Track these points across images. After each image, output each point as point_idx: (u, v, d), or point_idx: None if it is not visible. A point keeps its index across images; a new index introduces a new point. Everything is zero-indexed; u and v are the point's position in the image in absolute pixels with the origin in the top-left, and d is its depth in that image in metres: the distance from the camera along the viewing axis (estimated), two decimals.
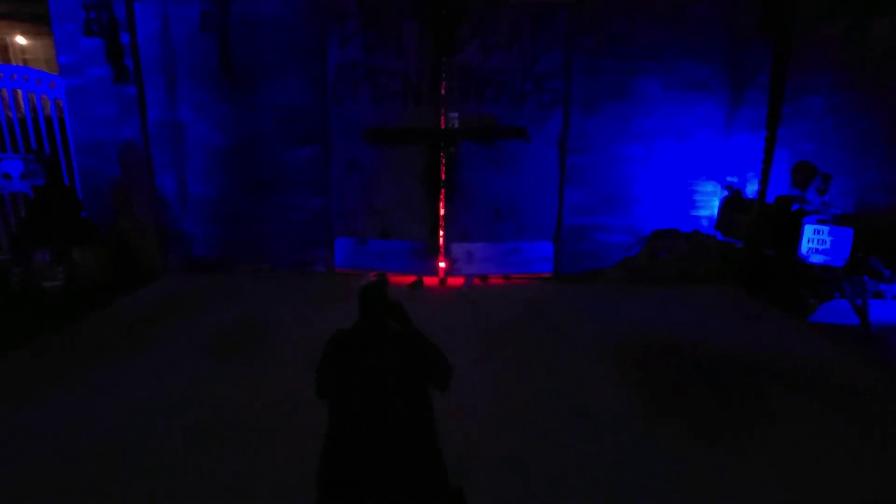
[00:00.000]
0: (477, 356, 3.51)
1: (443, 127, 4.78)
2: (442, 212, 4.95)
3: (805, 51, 4.49)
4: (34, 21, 6.99)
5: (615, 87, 4.68)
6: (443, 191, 4.89)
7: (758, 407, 2.96)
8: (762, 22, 4.52)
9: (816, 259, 4.47)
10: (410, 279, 5.12)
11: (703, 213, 4.98)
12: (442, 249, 5.02)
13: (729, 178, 4.89)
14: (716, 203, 4.96)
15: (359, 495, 1.61)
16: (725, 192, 4.93)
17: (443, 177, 4.86)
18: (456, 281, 5.12)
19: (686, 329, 4.05)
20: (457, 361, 1.97)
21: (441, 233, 4.99)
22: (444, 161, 4.82)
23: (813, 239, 4.48)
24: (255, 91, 4.91)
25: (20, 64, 7.46)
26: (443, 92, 4.71)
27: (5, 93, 5.09)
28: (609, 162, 4.85)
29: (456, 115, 4.75)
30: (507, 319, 4.24)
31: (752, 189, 4.88)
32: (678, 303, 4.63)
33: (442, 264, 5.05)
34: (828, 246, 4.45)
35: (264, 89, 4.90)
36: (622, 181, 4.90)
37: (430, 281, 5.14)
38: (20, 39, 7.94)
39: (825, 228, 4.46)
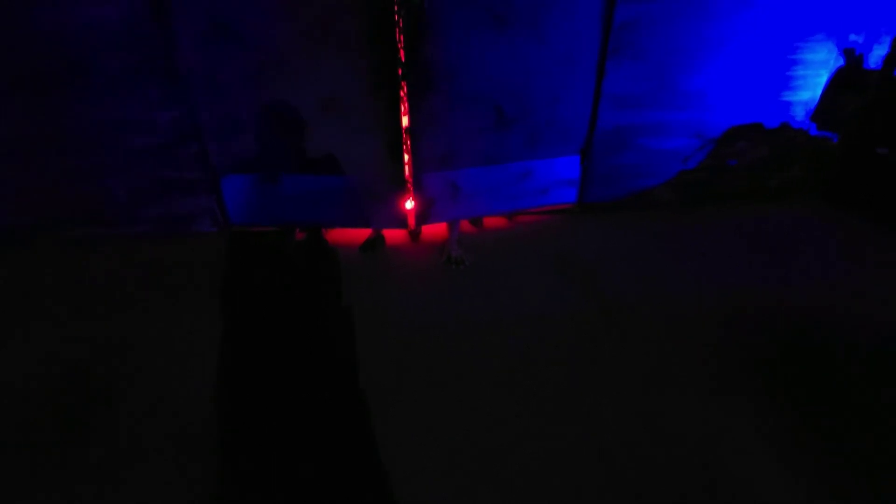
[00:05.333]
0: (504, 400, 1.88)
1: None
2: (406, 119, 2.82)
3: None
4: None
5: None
6: (404, 81, 2.70)
7: None
8: None
9: None
10: (363, 235, 3.17)
11: (803, 96, 3.28)
12: (410, 183, 3.01)
13: (853, 37, 3.12)
14: (823, 79, 3.25)
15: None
16: (841, 61, 3.19)
17: (402, 53, 2.62)
18: (435, 230, 3.25)
19: (806, 288, 2.65)
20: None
21: (406, 157, 2.93)
22: (401, 21, 2.54)
23: None
24: None
25: None
26: None
27: None
28: (686, 11, 2.84)
29: None
30: (527, 299, 2.62)
31: (878, 55, 3.17)
32: (762, 238, 3.18)
33: (410, 205, 3.09)
34: None
35: None
36: (700, 46, 2.96)
37: (394, 235, 3.22)
38: None
39: None
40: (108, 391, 2.06)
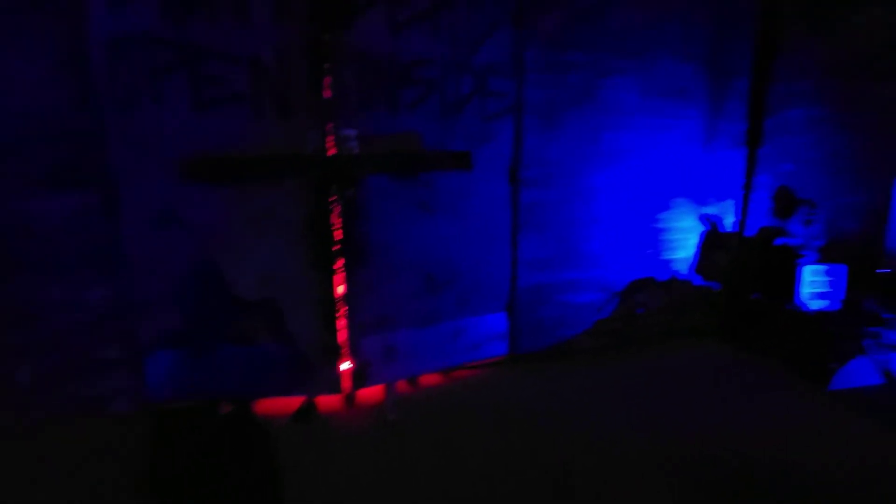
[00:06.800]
0: None
1: (332, 153, 2.84)
2: (341, 289, 3.01)
3: (792, 49, 3.64)
4: None
5: (583, 91, 3.29)
6: (341, 257, 2.96)
7: None
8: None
9: (816, 305, 3.69)
10: (295, 403, 3.10)
11: (681, 254, 3.92)
12: (345, 348, 3.09)
13: (706, 210, 3.90)
14: (694, 241, 3.93)
15: None
16: (705, 227, 3.92)
17: (339, 234, 2.92)
18: (371, 393, 3.25)
19: (714, 426, 2.84)
20: None
21: (343, 321, 3.06)
22: (338, 208, 2.89)
23: (813, 282, 3.69)
24: None
25: None
26: (328, 94, 2.77)
27: None
28: (575, 195, 3.46)
29: (353, 133, 2.85)
30: (468, 463, 2.60)
31: (730, 221, 3.95)
32: (674, 377, 3.47)
33: (346, 367, 3.13)
34: (828, 288, 3.70)
35: None
36: (590, 221, 3.56)
37: (328, 402, 3.17)
38: None
39: (822, 268, 3.70)
40: None
